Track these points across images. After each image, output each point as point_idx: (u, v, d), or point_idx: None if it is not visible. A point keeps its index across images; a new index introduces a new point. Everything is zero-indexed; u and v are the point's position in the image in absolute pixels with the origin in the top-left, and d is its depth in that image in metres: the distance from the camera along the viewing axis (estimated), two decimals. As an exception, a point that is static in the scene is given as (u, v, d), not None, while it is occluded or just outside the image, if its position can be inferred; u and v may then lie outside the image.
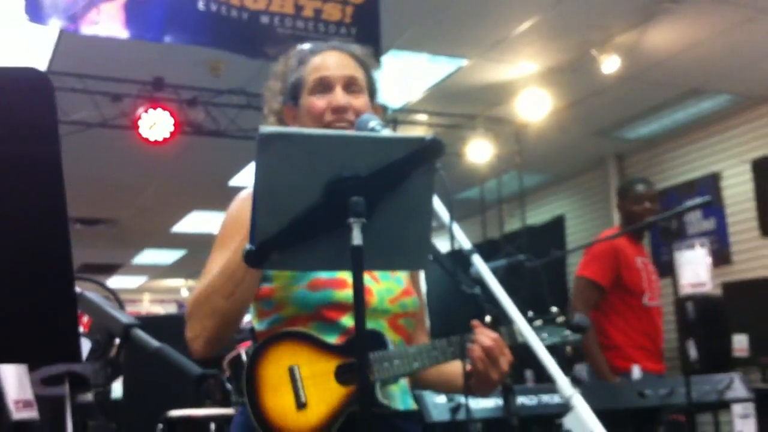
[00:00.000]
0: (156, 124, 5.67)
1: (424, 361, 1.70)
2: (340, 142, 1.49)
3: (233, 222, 1.77)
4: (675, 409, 3.88)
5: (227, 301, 1.61)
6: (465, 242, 1.81)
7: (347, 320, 1.71)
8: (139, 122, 5.71)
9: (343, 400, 1.64)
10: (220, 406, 4.21)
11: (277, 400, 1.61)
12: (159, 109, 5.72)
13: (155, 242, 12.30)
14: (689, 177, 8.15)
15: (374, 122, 1.77)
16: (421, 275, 2.00)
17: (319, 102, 1.81)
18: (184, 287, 16.58)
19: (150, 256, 13.33)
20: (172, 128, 5.72)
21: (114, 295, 1.44)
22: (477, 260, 1.80)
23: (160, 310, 16.44)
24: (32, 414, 2.65)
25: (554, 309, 1.92)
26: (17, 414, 2.58)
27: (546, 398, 3.84)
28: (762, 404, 5.35)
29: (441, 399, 3.61)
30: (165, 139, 5.70)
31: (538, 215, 9.84)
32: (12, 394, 2.57)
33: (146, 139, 5.70)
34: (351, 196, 1.46)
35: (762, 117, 7.53)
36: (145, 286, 16.36)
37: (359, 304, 1.41)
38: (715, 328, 6.65)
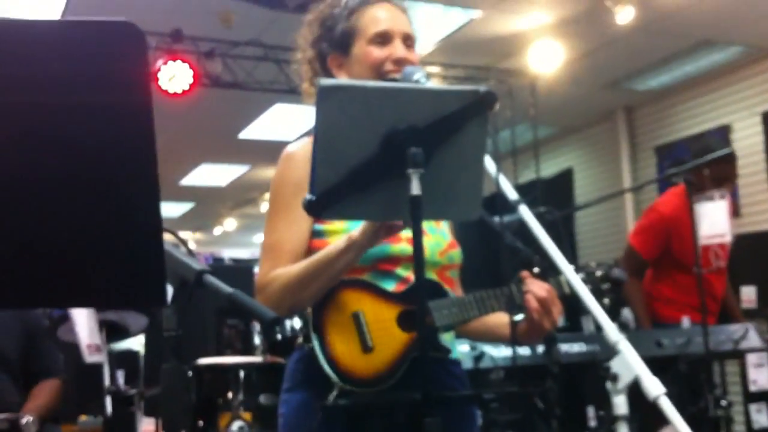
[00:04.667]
0: (175, 76, 5.67)
1: (480, 309, 1.74)
2: (398, 94, 1.52)
3: (291, 184, 1.79)
4: (691, 357, 3.95)
5: (312, 294, 1.70)
6: (511, 193, 1.85)
7: (402, 270, 1.75)
8: (159, 74, 5.71)
9: (407, 346, 1.69)
10: (240, 354, 4.29)
11: (345, 344, 1.67)
12: (178, 61, 5.71)
13: (163, 195, 12.21)
14: (699, 129, 8.14)
15: (419, 74, 1.80)
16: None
17: (380, 52, 1.84)
18: (191, 240, 16.64)
19: (157, 209, 13.34)
20: (191, 80, 5.71)
21: (183, 243, 1.48)
22: (524, 211, 1.85)
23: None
24: (101, 358, 2.72)
25: (593, 263, 1.97)
26: (90, 357, 2.65)
27: (576, 347, 3.90)
28: (772, 354, 5.44)
29: (464, 348, 3.68)
30: (184, 92, 5.70)
31: (546, 168, 9.84)
32: (84, 339, 2.64)
33: (165, 92, 5.70)
34: (409, 147, 1.49)
35: (773, 69, 7.51)
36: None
37: (418, 250, 1.45)
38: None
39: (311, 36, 1.94)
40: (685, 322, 4.12)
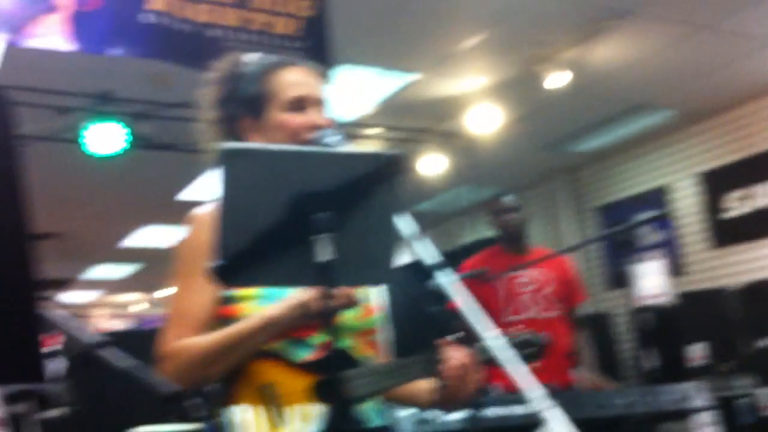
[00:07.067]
0: (104, 137, 5.56)
1: (397, 378, 1.68)
2: (304, 158, 1.48)
3: (197, 249, 1.70)
4: (637, 418, 3.89)
5: (220, 369, 1.63)
6: (432, 257, 1.79)
7: (316, 338, 1.68)
8: (87, 136, 5.59)
9: (320, 418, 1.61)
10: (184, 421, 4.10)
11: (255, 418, 1.59)
12: (108, 123, 5.61)
13: (105, 257, 12.14)
14: (638, 190, 8.27)
15: (334, 137, 1.76)
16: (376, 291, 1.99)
17: (297, 119, 1.78)
18: (140, 301, 16.39)
19: (102, 271, 13.16)
20: (121, 142, 5.61)
21: (80, 314, 1.40)
22: (444, 276, 1.79)
23: (120, 324, 16.23)
24: (4, 433, 2.57)
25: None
26: None
27: (512, 409, 3.80)
28: (721, 413, 5.43)
29: (407, 412, 3.58)
30: (113, 153, 5.59)
31: (487, 230, 9.86)
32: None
33: (94, 154, 5.59)
34: (315, 212, 1.44)
35: (706, 132, 7.69)
36: (100, 301, 16.11)
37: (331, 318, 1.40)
38: (672, 338, 6.74)
39: (215, 96, 1.86)
40: (496, 389, 3.97)
